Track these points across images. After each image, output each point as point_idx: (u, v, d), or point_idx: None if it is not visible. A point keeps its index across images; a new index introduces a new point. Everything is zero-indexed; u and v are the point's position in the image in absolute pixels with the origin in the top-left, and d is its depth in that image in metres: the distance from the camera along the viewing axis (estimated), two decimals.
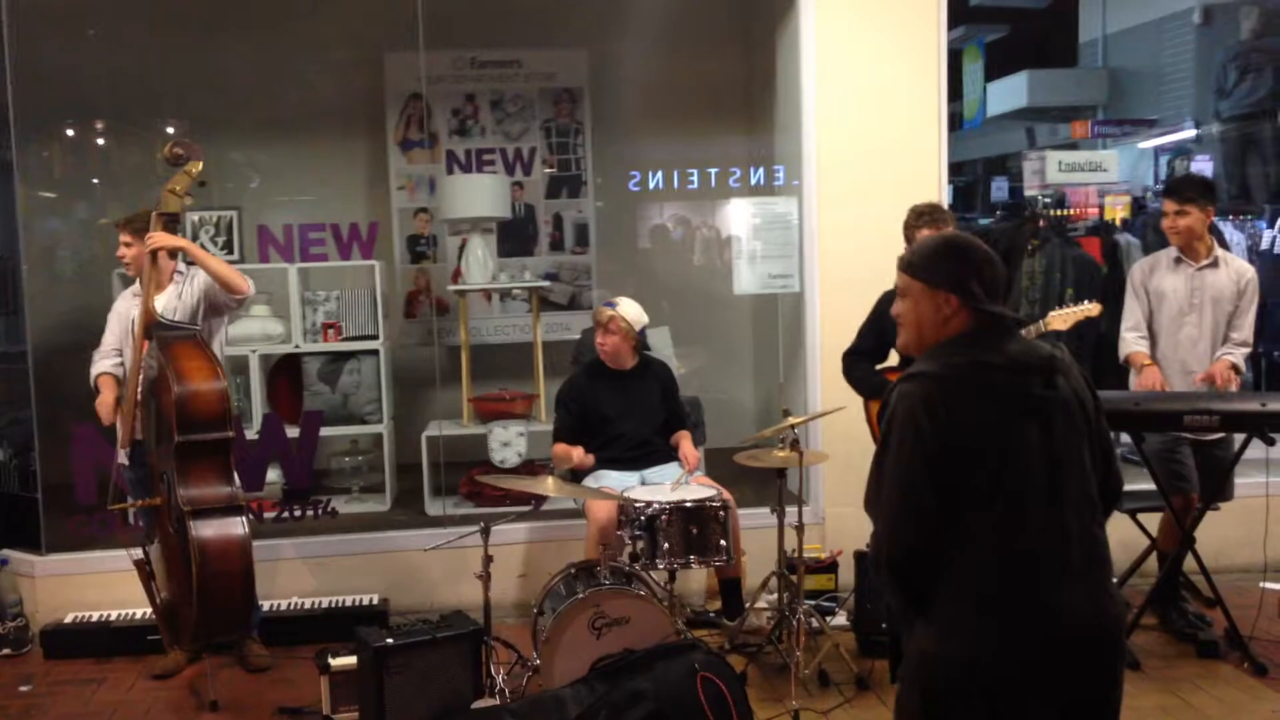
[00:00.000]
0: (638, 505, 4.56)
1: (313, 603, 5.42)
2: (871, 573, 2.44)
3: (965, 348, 2.41)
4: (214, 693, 4.57)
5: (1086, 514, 2.41)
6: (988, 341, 2.42)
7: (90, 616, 5.29)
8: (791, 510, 4.72)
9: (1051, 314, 4.84)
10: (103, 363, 4.86)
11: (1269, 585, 5.19)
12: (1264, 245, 7.83)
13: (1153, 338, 5.11)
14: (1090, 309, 4.83)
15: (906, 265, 2.55)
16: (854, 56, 5.70)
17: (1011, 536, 2.32)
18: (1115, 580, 5.32)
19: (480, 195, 6.63)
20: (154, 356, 4.43)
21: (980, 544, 2.32)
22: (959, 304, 2.44)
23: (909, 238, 4.77)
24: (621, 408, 5.19)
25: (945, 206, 5.11)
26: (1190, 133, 9.65)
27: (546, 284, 7.14)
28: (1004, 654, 2.31)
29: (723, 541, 4.60)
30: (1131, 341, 5.12)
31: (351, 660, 4.24)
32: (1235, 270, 5.04)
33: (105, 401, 4.76)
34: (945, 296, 2.46)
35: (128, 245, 4.79)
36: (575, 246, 7.58)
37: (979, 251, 2.50)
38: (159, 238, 4.62)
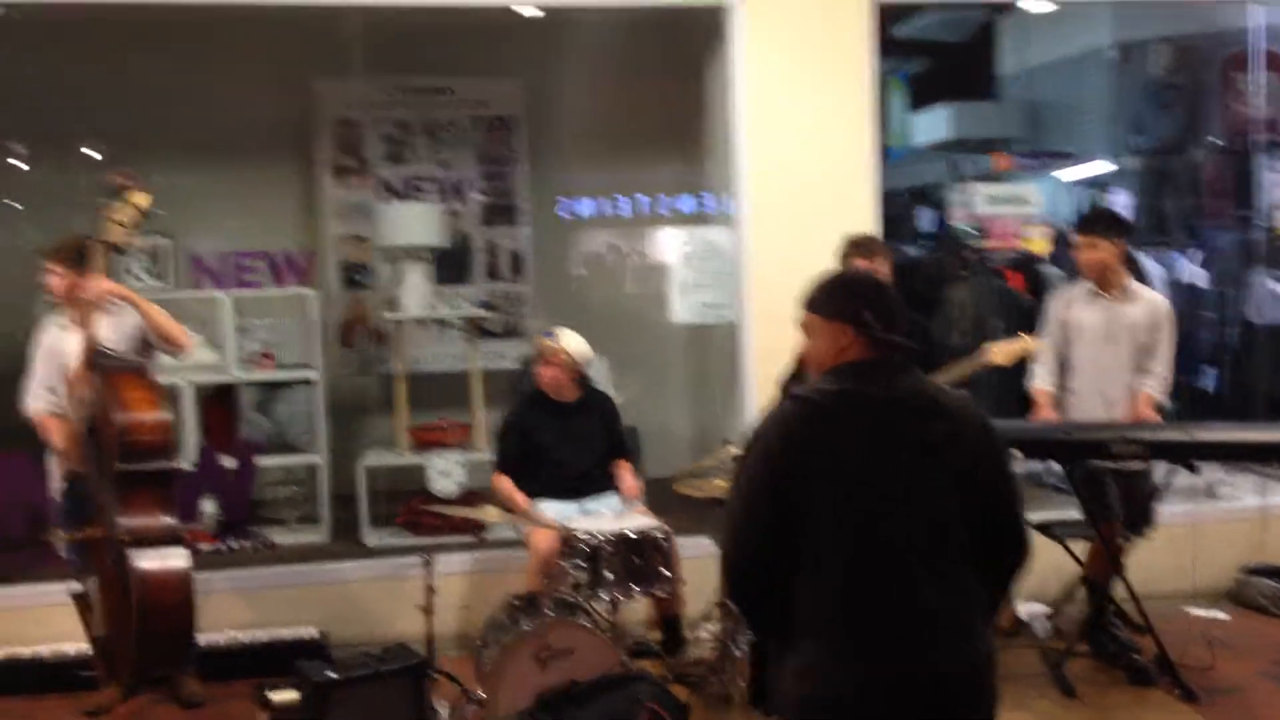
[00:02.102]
0: (580, 536, 4.57)
1: (249, 636, 5.30)
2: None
3: (846, 377, 2.45)
4: None
5: (952, 559, 2.37)
6: (873, 374, 2.45)
7: (21, 652, 5.12)
8: None
9: (992, 346, 4.95)
10: (37, 403, 4.74)
11: (1196, 611, 5.31)
12: (1181, 277, 8.06)
13: (1072, 368, 5.21)
14: (1030, 344, 4.96)
15: (806, 302, 2.60)
16: (785, 87, 5.76)
17: (862, 573, 2.32)
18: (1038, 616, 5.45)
19: (416, 223, 6.62)
20: (96, 386, 4.35)
21: (830, 577, 2.32)
22: (854, 334, 2.48)
23: (845, 267, 4.84)
24: (562, 439, 5.19)
25: (879, 238, 5.19)
26: (1107, 167, 9.91)
27: (483, 313, 7.13)
28: (863, 698, 2.31)
29: (665, 571, 4.62)
30: (1038, 375, 5.24)
31: (292, 695, 4.19)
32: (1149, 303, 5.16)
33: (57, 429, 4.64)
34: (841, 327, 2.50)
35: (58, 276, 4.68)
36: (511, 275, 7.58)
37: (870, 283, 2.63)
38: (106, 285, 4.52)
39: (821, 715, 2.34)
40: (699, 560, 5.17)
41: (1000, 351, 4.92)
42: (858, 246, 4.88)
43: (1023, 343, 4.96)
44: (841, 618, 2.32)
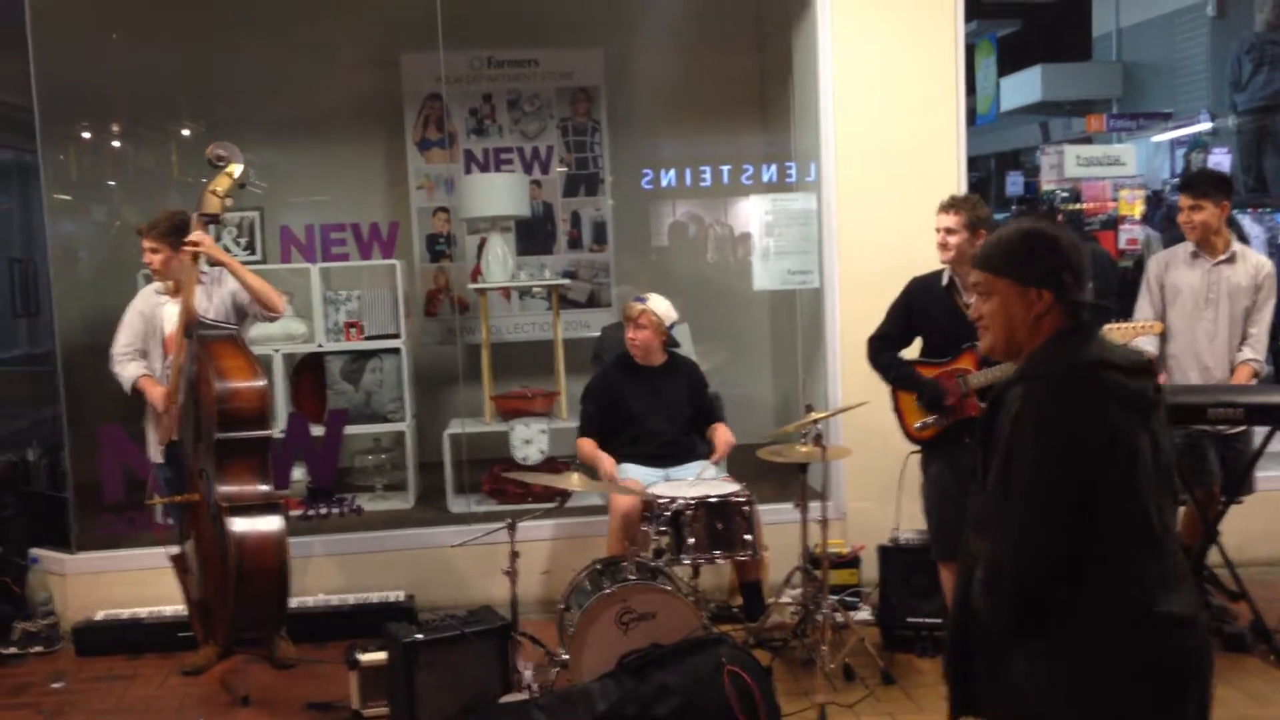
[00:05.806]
0: (662, 501, 4.59)
1: (339, 600, 5.45)
2: (980, 595, 2.28)
3: (1080, 346, 2.29)
4: (245, 688, 4.61)
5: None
6: (1095, 340, 2.31)
7: (121, 614, 5.33)
8: (814, 505, 4.74)
9: (1108, 327, 4.84)
10: (132, 365, 4.89)
11: None
12: None
13: (1169, 332, 5.11)
14: (1153, 326, 4.88)
15: (988, 263, 2.39)
16: (871, 52, 5.69)
17: (1143, 543, 2.22)
18: None
19: (499, 194, 6.65)
20: (194, 355, 4.46)
21: (1118, 552, 2.20)
22: (1053, 299, 2.31)
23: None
24: (649, 405, 5.22)
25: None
26: (1205, 126, 9.63)
27: (565, 282, 7.17)
28: (1180, 663, 2.22)
29: (747, 536, 4.62)
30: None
31: (380, 656, 4.28)
32: (1253, 264, 5.04)
33: (160, 394, 4.79)
34: (1038, 293, 2.32)
35: (154, 251, 4.77)
36: (593, 244, 7.60)
37: (1066, 238, 2.37)
38: (204, 242, 4.59)
39: (1164, 678, 2.22)
40: (781, 526, 5.18)
41: (1118, 330, 4.82)
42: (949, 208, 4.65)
43: (1145, 324, 4.85)
44: (1139, 591, 2.20)
